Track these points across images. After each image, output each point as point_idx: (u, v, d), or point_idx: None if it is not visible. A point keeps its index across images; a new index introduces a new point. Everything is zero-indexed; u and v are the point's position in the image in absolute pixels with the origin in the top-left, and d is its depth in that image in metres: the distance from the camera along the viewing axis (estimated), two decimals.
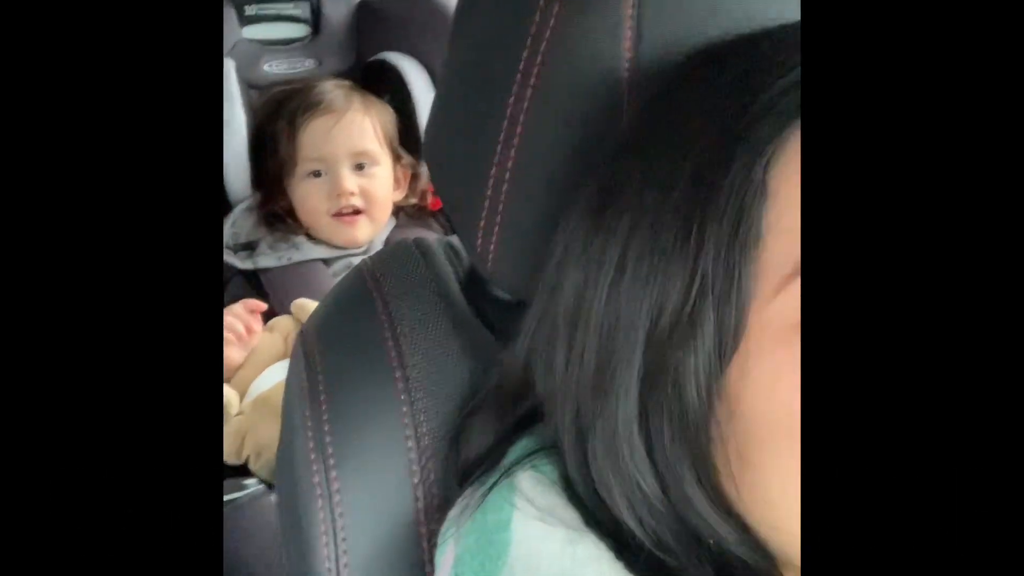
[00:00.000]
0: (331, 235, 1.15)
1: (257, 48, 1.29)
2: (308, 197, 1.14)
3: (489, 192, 0.41)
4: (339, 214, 1.13)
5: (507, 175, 0.40)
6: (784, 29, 0.35)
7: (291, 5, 1.33)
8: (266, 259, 1.13)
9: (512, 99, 0.39)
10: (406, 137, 1.22)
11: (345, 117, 1.14)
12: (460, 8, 0.45)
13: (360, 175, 1.14)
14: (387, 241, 1.20)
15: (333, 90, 1.18)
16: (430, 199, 1.27)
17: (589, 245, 0.35)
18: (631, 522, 0.34)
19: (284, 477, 0.42)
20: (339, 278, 1.11)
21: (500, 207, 0.41)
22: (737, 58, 0.34)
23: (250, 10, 1.30)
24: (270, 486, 0.80)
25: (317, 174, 1.14)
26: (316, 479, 0.39)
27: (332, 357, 0.42)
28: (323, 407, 0.40)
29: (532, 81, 0.39)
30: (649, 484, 0.33)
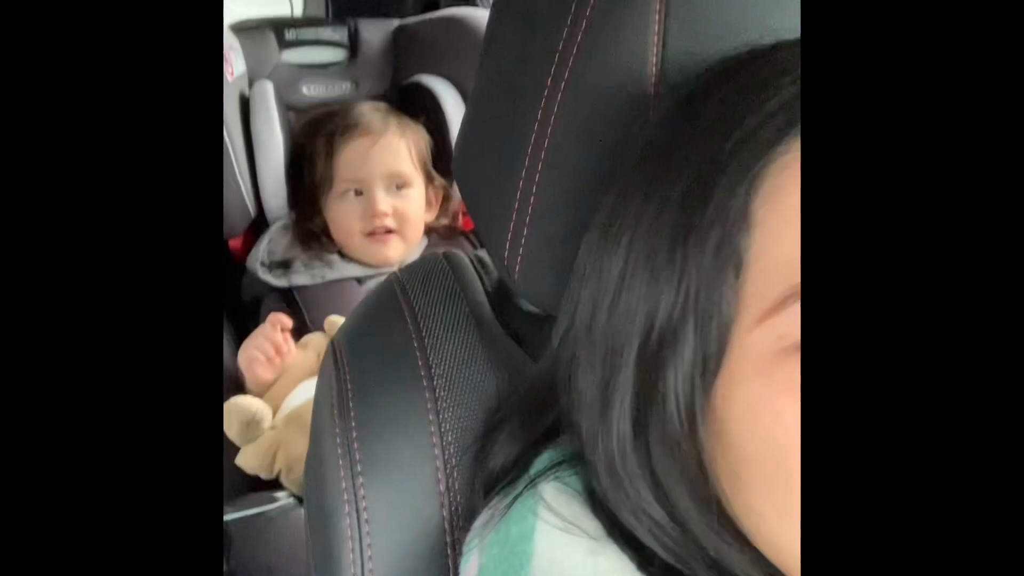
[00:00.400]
0: (364, 254, 1.17)
1: (296, 71, 1.32)
2: (343, 216, 1.16)
3: (517, 205, 0.41)
4: (372, 233, 1.15)
5: (534, 188, 0.41)
6: (792, 45, 0.34)
7: (329, 30, 1.36)
8: (300, 277, 1.15)
9: (540, 114, 0.40)
10: (439, 158, 1.24)
11: (382, 139, 1.16)
12: (490, 29, 0.46)
13: (394, 196, 1.16)
14: None
15: (370, 113, 1.20)
16: (461, 220, 1.28)
17: (599, 260, 0.35)
18: (641, 534, 0.34)
19: (312, 483, 0.42)
20: None
21: (527, 220, 0.41)
22: (738, 75, 0.34)
23: (290, 35, 1.33)
24: (300, 500, 0.81)
25: (353, 194, 1.15)
26: (343, 485, 0.40)
27: (361, 367, 0.43)
28: (351, 415, 0.41)
29: (559, 97, 0.40)
30: (646, 498, 0.34)
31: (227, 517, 0.76)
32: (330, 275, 1.16)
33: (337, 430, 0.41)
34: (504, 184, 0.42)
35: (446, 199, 1.25)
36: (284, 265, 1.16)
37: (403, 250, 1.18)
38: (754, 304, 0.31)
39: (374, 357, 0.43)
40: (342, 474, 0.40)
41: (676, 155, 0.34)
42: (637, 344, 0.33)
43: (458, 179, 0.48)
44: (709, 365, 0.32)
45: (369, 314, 0.46)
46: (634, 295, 0.33)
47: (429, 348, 0.43)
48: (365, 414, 0.41)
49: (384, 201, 1.15)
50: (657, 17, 0.39)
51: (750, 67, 0.34)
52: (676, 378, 0.32)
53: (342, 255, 1.18)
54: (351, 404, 0.41)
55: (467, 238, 1.29)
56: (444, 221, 1.26)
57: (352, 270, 1.17)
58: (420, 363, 0.42)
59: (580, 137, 0.40)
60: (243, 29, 1.30)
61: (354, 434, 0.40)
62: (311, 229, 1.18)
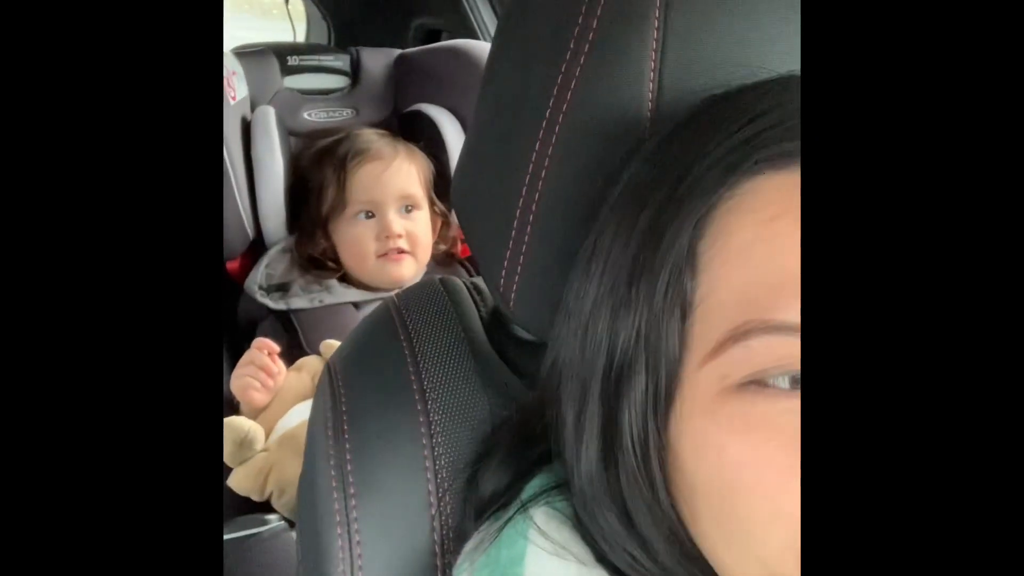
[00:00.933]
0: (377, 275, 1.18)
1: (298, 97, 1.33)
2: (358, 239, 1.17)
3: (513, 234, 0.42)
4: (385, 254, 1.16)
5: (531, 217, 0.42)
6: (757, 86, 0.36)
7: (332, 57, 1.38)
8: (299, 300, 1.16)
9: (538, 144, 0.41)
10: (437, 185, 1.25)
11: (394, 163, 1.19)
12: (491, 59, 0.47)
13: (405, 218, 1.19)
14: None
15: (379, 139, 1.23)
16: (459, 247, 1.29)
17: (578, 293, 0.37)
18: (619, 563, 0.35)
19: (305, 505, 0.43)
20: None
21: (523, 249, 0.42)
22: (702, 116, 0.36)
23: (292, 61, 1.35)
24: (291, 523, 0.81)
25: (365, 216, 1.17)
26: (336, 507, 0.40)
27: (356, 390, 0.43)
28: (345, 438, 0.41)
29: (557, 128, 0.41)
30: (617, 529, 0.35)
31: None
32: (328, 299, 1.16)
33: (331, 452, 0.41)
34: (501, 212, 0.43)
35: (445, 225, 1.26)
36: (282, 288, 1.17)
37: (415, 270, 1.20)
38: (699, 345, 0.32)
39: (369, 380, 0.44)
40: (335, 496, 0.40)
41: (643, 194, 0.35)
42: (600, 377, 0.35)
43: (456, 206, 0.49)
44: (659, 402, 0.33)
45: (365, 338, 0.47)
46: (600, 328, 0.35)
47: (424, 372, 0.43)
48: (359, 437, 0.41)
49: (397, 223, 1.17)
50: (653, 53, 0.40)
51: (714, 108, 0.35)
52: (631, 412, 0.34)
53: (341, 280, 1.19)
54: (346, 427, 0.42)
55: (463, 265, 1.30)
56: (442, 247, 1.27)
57: (350, 295, 1.18)
58: (415, 387, 0.43)
59: (576, 168, 0.41)
60: (246, 54, 1.31)
61: (348, 456, 0.41)
62: (312, 254, 1.19)
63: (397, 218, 1.17)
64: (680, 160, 0.34)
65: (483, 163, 0.46)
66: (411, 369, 0.43)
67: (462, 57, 1.30)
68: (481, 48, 1.32)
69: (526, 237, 0.42)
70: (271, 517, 0.79)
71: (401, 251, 1.17)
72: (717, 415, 0.31)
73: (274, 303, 1.15)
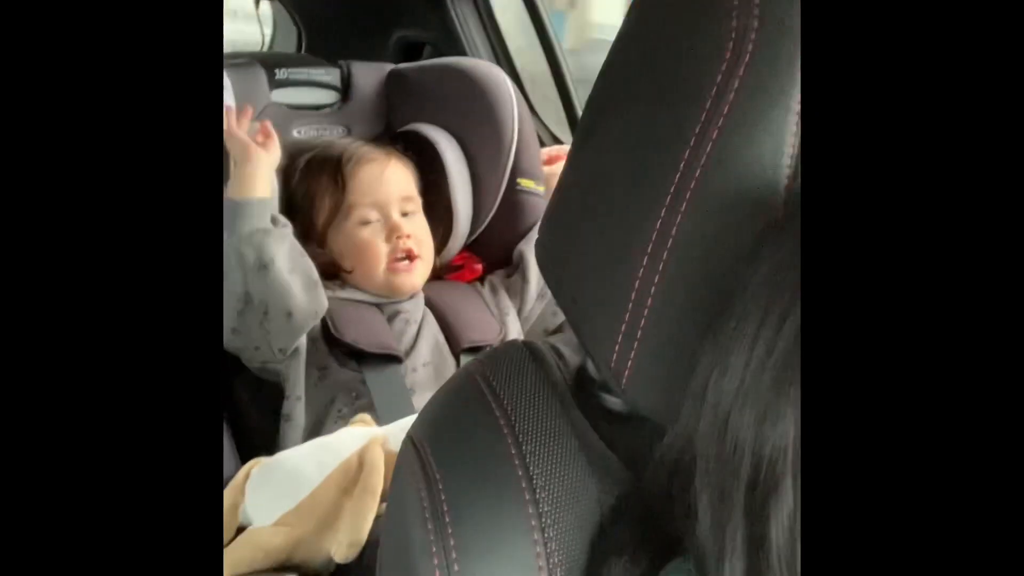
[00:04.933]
0: (387, 284, 1.13)
1: (286, 112, 1.27)
2: (367, 244, 1.13)
3: (631, 307, 0.39)
4: (395, 261, 1.12)
5: (652, 289, 0.38)
6: None
7: (322, 71, 1.32)
8: None
9: (664, 211, 0.38)
10: (430, 208, 1.20)
11: (391, 164, 1.16)
12: (603, 92, 0.43)
13: (407, 220, 1.15)
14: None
15: (368, 144, 1.20)
16: (447, 274, 1.25)
17: (715, 383, 0.34)
18: None
19: None
20: (393, 324, 1.10)
21: (642, 323, 0.38)
22: None
23: (280, 74, 1.29)
24: None
25: (368, 222, 1.13)
26: None
27: (454, 474, 0.39)
28: (449, 531, 0.37)
29: (688, 195, 0.37)
30: None
31: None
32: (342, 294, 1.13)
33: (433, 549, 0.37)
34: (616, 280, 0.39)
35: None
36: None
37: (425, 272, 1.16)
38: None
39: (468, 463, 0.40)
40: None
41: (790, 289, 0.32)
42: (744, 489, 0.32)
43: (544, 265, 0.45)
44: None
45: (453, 411, 0.42)
46: (742, 433, 0.32)
47: (528, 455, 0.39)
48: (465, 532, 0.37)
49: (404, 222, 1.14)
50: (796, 121, 0.37)
51: None
52: (779, 536, 0.31)
53: (343, 286, 1.14)
54: (448, 518, 0.37)
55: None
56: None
57: (362, 295, 1.13)
58: (520, 472, 0.39)
59: (706, 238, 0.38)
60: (232, 65, 1.25)
61: (455, 555, 0.36)
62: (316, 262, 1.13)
63: (401, 219, 1.14)
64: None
65: (587, 221, 0.42)
66: (513, 451, 0.39)
67: (462, 77, 1.26)
68: (481, 68, 1.29)
69: (645, 311, 0.38)
70: None
71: (411, 256, 1.13)
72: None
73: None
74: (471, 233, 1.26)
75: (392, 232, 1.12)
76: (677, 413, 0.37)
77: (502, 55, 1.55)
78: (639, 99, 0.40)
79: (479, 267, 1.26)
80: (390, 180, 1.15)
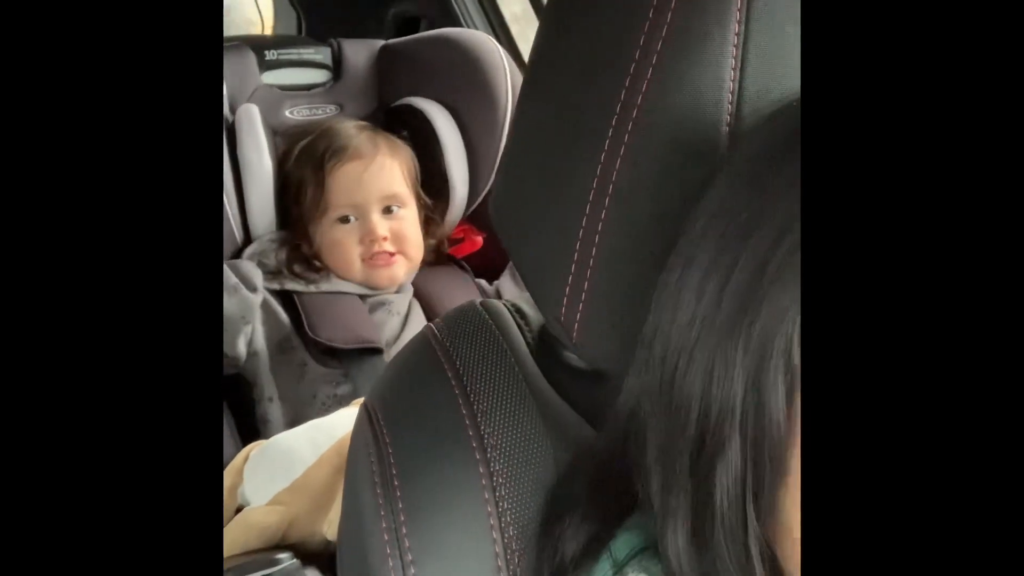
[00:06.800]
0: (366, 278, 1.12)
1: (278, 94, 1.27)
2: (339, 243, 1.11)
3: (576, 256, 0.38)
4: (372, 257, 1.11)
5: (596, 238, 0.37)
6: None
7: (312, 50, 1.31)
8: (294, 284, 1.11)
9: (603, 156, 0.36)
10: (430, 181, 1.19)
11: (374, 162, 1.13)
12: (539, 53, 0.42)
13: (389, 218, 1.13)
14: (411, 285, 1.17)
15: (358, 134, 1.16)
16: (447, 247, 1.24)
17: (663, 334, 0.33)
18: None
19: (355, 568, 0.38)
20: (375, 315, 1.10)
21: (588, 273, 0.37)
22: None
23: (270, 55, 1.28)
24: (303, 560, 0.75)
25: (346, 220, 1.11)
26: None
27: (404, 437, 0.38)
28: (397, 495, 0.36)
29: (626, 138, 0.36)
30: None
31: None
32: (326, 287, 1.11)
33: (382, 512, 0.36)
34: (559, 233, 0.38)
35: (433, 223, 1.21)
36: (275, 273, 1.11)
37: (408, 268, 1.15)
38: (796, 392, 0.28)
39: (418, 425, 0.39)
40: (391, 564, 0.35)
41: (743, 224, 0.30)
42: (689, 451, 0.31)
43: (498, 224, 0.44)
44: (761, 489, 0.30)
45: (406, 373, 0.42)
46: (689, 386, 0.31)
47: (479, 414, 0.38)
48: (414, 495, 0.36)
49: (381, 225, 1.11)
50: (734, 50, 0.35)
51: None
52: (724, 499, 0.30)
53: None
54: (396, 481, 0.37)
55: (460, 266, 1.25)
56: (431, 241, 1.21)
57: (347, 287, 1.13)
58: (471, 432, 0.38)
59: (647, 183, 0.36)
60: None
61: (403, 518, 0.36)
62: (304, 254, 1.13)
63: (381, 220, 1.12)
64: (789, 191, 0.29)
65: (532, 177, 0.41)
66: (464, 412, 0.39)
67: (452, 47, 1.25)
68: (471, 37, 1.27)
69: (591, 261, 0.37)
70: (283, 556, 0.73)
71: (388, 254, 1.11)
72: None
73: (268, 283, 1.10)
74: (469, 204, 1.25)
75: (367, 236, 1.10)
76: (629, 365, 0.36)
77: (497, 24, 1.52)
78: (574, 46, 0.38)
79: (479, 239, 1.25)
80: (370, 181, 1.12)
